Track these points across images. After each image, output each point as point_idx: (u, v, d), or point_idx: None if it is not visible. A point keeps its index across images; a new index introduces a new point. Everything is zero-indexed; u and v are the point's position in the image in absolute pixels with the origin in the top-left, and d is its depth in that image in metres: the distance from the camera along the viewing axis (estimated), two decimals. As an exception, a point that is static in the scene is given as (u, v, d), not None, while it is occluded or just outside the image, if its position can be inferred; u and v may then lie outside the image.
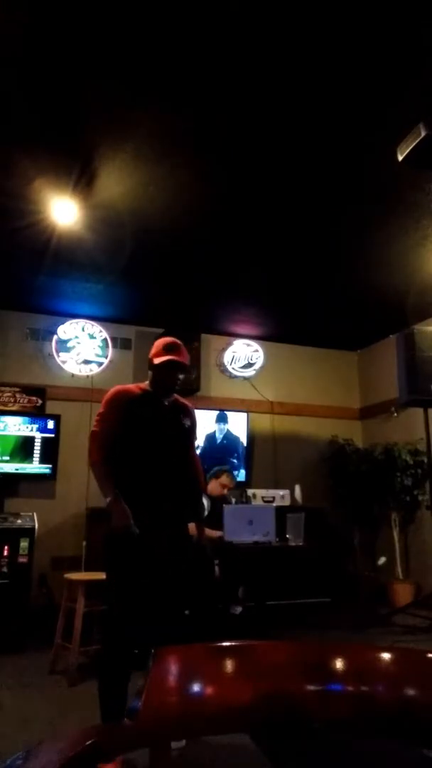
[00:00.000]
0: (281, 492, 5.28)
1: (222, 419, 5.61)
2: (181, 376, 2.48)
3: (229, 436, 5.63)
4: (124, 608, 2.23)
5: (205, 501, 4.26)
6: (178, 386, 2.50)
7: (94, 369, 5.25)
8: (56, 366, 5.19)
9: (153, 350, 2.50)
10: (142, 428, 2.39)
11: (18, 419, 4.81)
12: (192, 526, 2.69)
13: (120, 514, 2.24)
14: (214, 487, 4.31)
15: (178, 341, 2.51)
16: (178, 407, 2.54)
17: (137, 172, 3.13)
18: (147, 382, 2.51)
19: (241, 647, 1.21)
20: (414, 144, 2.38)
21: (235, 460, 5.55)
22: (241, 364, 5.86)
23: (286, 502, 5.14)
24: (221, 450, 5.53)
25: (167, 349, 2.45)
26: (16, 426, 4.79)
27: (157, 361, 2.43)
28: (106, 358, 5.31)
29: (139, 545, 2.24)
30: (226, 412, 5.65)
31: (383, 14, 2.13)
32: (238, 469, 5.51)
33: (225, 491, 4.33)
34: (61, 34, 2.24)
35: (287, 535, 3.93)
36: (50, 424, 4.90)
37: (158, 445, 2.41)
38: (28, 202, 3.36)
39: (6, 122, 2.71)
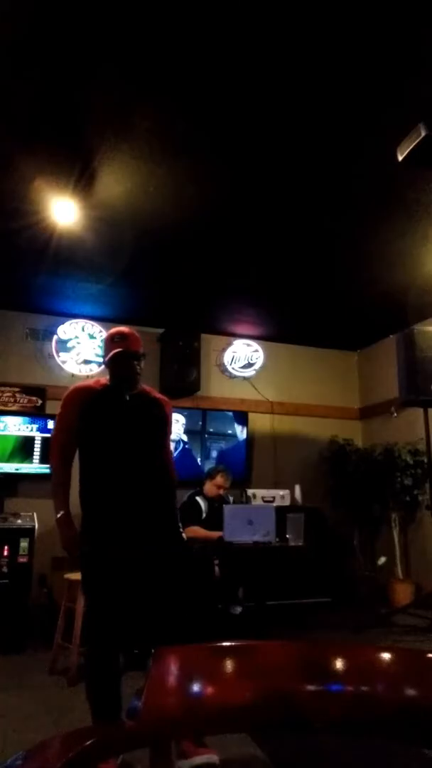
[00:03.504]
0: (281, 492, 5.27)
1: (241, 422, 5.66)
2: (138, 365, 2.34)
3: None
4: (98, 616, 2.15)
5: (201, 503, 4.26)
6: (138, 375, 2.35)
7: (94, 369, 5.24)
8: (56, 366, 5.19)
9: (104, 345, 2.44)
10: (101, 426, 2.26)
11: (18, 419, 4.81)
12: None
13: (64, 537, 2.17)
14: (209, 488, 4.28)
15: (125, 330, 2.39)
16: (149, 400, 2.40)
17: (137, 172, 3.13)
18: (108, 377, 2.40)
19: (241, 647, 1.21)
20: (414, 144, 2.38)
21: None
22: (241, 364, 5.86)
23: (286, 502, 5.14)
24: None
25: (114, 340, 2.35)
26: (16, 426, 4.79)
27: (106, 356, 2.35)
28: (106, 358, 5.31)
29: (105, 560, 2.12)
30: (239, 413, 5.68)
31: (383, 14, 2.13)
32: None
33: (221, 491, 4.30)
34: (61, 34, 2.24)
35: (287, 535, 3.92)
36: (50, 424, 4.89)
37: (120, 442, 2.24)
38: (28, 202, 3.36)
39: (6, 122, 2.71)
